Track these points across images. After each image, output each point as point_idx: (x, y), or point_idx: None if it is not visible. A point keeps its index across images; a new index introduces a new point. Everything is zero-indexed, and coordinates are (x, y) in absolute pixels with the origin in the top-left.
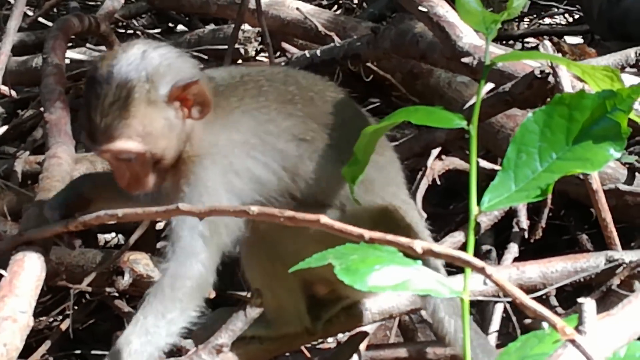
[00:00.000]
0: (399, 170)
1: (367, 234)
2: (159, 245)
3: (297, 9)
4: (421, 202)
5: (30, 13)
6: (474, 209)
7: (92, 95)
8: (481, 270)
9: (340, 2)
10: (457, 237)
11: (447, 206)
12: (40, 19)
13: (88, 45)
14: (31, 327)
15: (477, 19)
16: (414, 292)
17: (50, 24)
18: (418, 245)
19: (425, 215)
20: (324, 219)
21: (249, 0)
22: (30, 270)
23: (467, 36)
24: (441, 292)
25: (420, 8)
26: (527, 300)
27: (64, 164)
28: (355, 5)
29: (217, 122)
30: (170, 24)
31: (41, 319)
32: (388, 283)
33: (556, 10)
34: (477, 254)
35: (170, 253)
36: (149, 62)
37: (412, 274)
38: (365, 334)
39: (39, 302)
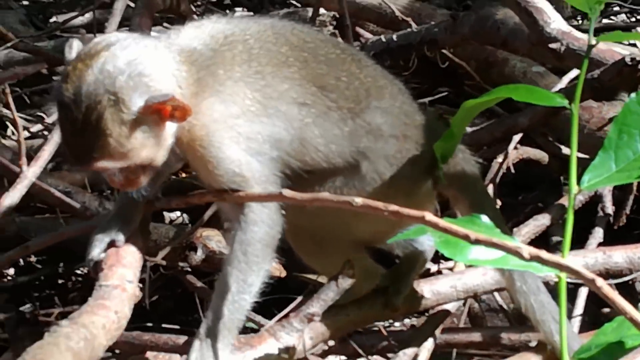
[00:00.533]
0: (404, 98)
1: (473, 235)
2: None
3: None
4: (496, 190)
5: None
6: (574, 187)
7: (64, 119)
8: (591, 282)
9: None
10: (541, 220)
11: (516, 197)
12: None
13: (165, 24)
14: (138, 297)
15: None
16: (513, 267)
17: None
18: (525, 251)
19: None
20: (428, 216)
21: None
22: (133, 242)
23: (555, 22)
24: (539, 269)
25: None
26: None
27: None
28: None
29: (211, 99)
30: (235, 8)
31: None
32: (488, 257)
33: (619, 9)
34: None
35: (234, 222)
36: (115, 77)
37: (500, 242)
38: (447, 313)
39: None
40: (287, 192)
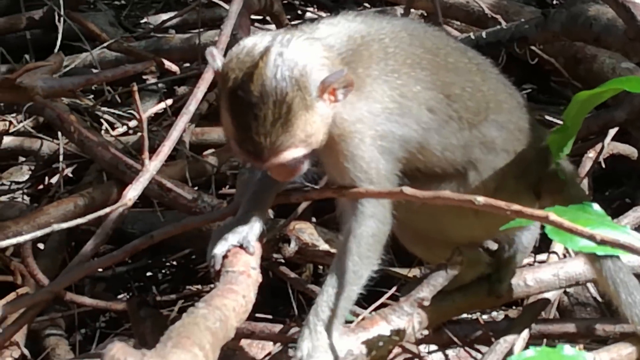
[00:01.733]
0: (520, 115)
1: (599, 236)
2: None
3: None
4: (591, 184)
5: None
6: None
7: (250, 118)
8: None
9: None
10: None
11: (603, 192)
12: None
13: (256, 24)
14: (259, 282)
15: None
16: (623, 253)
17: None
18: None
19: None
20: (552, 216)
21: None
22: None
23: None
24: None
25: None
26: None
27: None
28: None
29: (354, 96)
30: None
31: (209, 286)
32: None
33: None
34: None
35: (350, 216)
36: (293, 67)
37: (621, 238)
38: (546, 302)
39: (199, 269)
40: (408, 190)
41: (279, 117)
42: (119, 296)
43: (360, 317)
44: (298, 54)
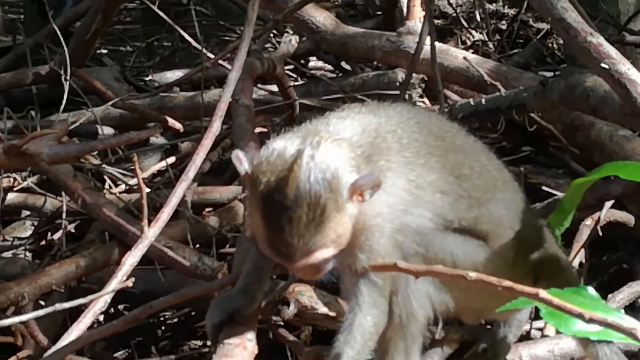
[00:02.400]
0: (522, 198)
1: (588, 315)
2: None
3: (465, 58)
4: (587, 254)
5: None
6: None
7: (284, 220)
8: None
9: (480, 46)
10: (636, 287)
11: (600, 257)
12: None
13: (259, 85)
14: (255, 354)
15: None
16: (617, 339)
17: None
18: None
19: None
20: (542, 293)
21: (422, 49)
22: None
23: None
24: None
25: (602, 65)
26: None
27: None
28: (492, 49)
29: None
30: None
31: (207, 342)
32: (592, 329)
33: None
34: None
35: (355, 304)
36: (325, 170)
37: (610, 318)
38: None
39: (198, 327)
40: (402, 264)
41: (313, 219)
42: (118, 353)
43: None
44: (329, 156)
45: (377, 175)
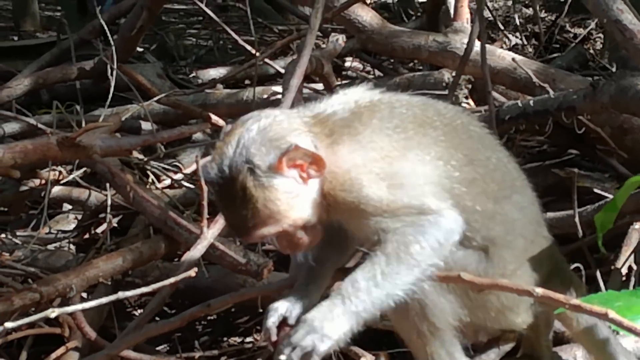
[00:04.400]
0: (538, 209)
1: None
2: None
3: (513, 59)
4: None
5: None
6: None
7: (217, 196)
8: None
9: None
10: None
11: None
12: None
13: (305, 84)
14: None
15: None
16: None
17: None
18: None
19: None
20: (612, 314)
21: (472, 49)
22: None
23: None
24: None
25: None
26: None
27: None
28: (529, 53)
29: (344, 148)
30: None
31: (247, 339)
32: None
33: None
34: None
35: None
36: (248, 147)
37: None
38: None
39: (239, 323)
40: (466, 276)
41: (237, 196)
42: (159, 347)
43: None
44: (260, 132)
45: (294, 144)
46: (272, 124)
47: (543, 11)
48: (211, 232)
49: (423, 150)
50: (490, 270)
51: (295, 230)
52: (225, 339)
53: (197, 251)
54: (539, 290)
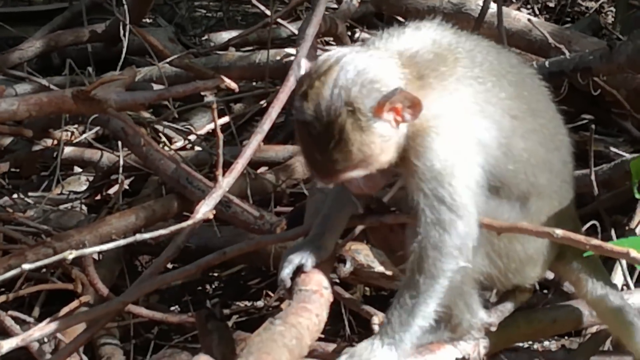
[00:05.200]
0: (572, 168)
1: None
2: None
3: (529, 20)
4: None
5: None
6: None
7: (307, 137)
8: None
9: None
10: None
11: None
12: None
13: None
14: (330, 302)
15: None
16: None
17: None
18: None
19: None
20: (633, 252)
21: (487, 10)
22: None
23: None
24: None
25: None
26: None
27: None
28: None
29: (434, 93)
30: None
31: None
32: None
33: None
34: None
35: (418, 228)
36: (349, 89)
37: None
38: (608, 334)
39: (250, 285)
40: (485, 220)
41: (332, 138)
42: (171, 308)
43: None
44: (359, 73)
45: (399, 89)
46: (370, 64)
47: None
48: (226, 180)
49: (496, 105)
50: (523, 220)
51: (377, 173)
52: (235, 302)
53: (212, 199)
54: (559, 232)
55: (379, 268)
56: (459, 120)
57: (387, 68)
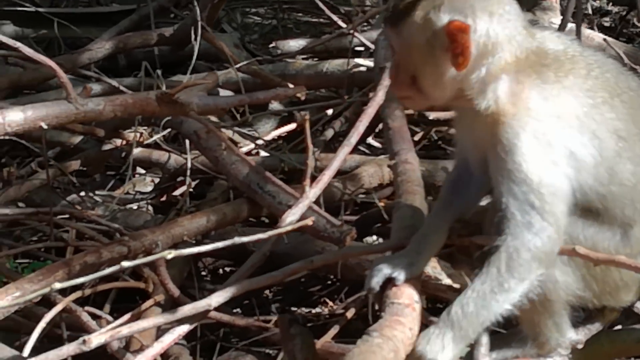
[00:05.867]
0: None
1: None
2: None
3: (605, 40)
4: None
5: None
6: None
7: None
8: None
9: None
10: None
11: None
12: None
13: None
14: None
15: None
16: None
17: None
18: None
19: None
20: None
21: (565, 28)
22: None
23: None
24: None
25: None
26: None
27: (416, 169)
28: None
29: (534, 88)
30: None
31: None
32: None
33: None
34: None
35: (506, 228)
36: (445, 8)
37: None
38: None
39: (321, 295)
40: (581, 250)
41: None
42: (233, 311)
43: None
44: (483, 2)
45: (469, 25)
46: (499, 7)
47: (610, 4)
48: (313, 191)
49: (601, 123)
50: (622, 249)
51: (406, 70)
52: (294, 307)
53: (298, 209)
54: None
55: (447, 281)
56: (550, 125)
57: (511, 27)
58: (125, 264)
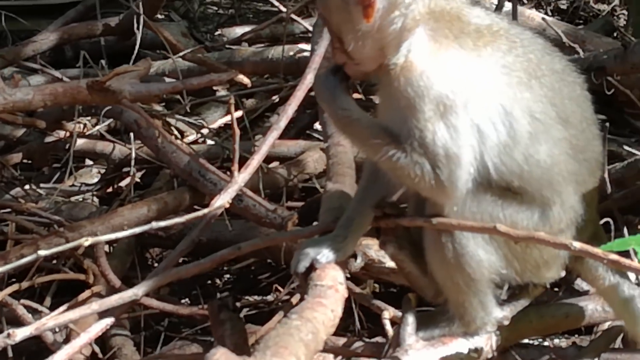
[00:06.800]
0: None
1: None
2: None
3: (543, 19)
4: None
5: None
6: None
7: None
8: None
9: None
10: None
11: None
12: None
13: None
14: (345, 298)
15: None
16: None
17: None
18: None
19: None
20: None
21: (502, 8)
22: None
23: None
24: None
25: None
26: None
27: (348, 151)
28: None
29: (450, 50)
30: None
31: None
32: None
33: None
34: None
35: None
36: None
37: None
38: (620, 330)
39: (270, 281)
40: (502, 227)
41: None
42: (181, 301)
43: None
44: None
45: None
46: None
47: None
48: (242, 176)
49: (514, 101)
50: (541, 228)
51: (334, 34)
52: (245, 295)
53: (227, 194)
54: (577, 244)
55: (390, 264)
56: (458, 92)
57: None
58: (42, 252)
